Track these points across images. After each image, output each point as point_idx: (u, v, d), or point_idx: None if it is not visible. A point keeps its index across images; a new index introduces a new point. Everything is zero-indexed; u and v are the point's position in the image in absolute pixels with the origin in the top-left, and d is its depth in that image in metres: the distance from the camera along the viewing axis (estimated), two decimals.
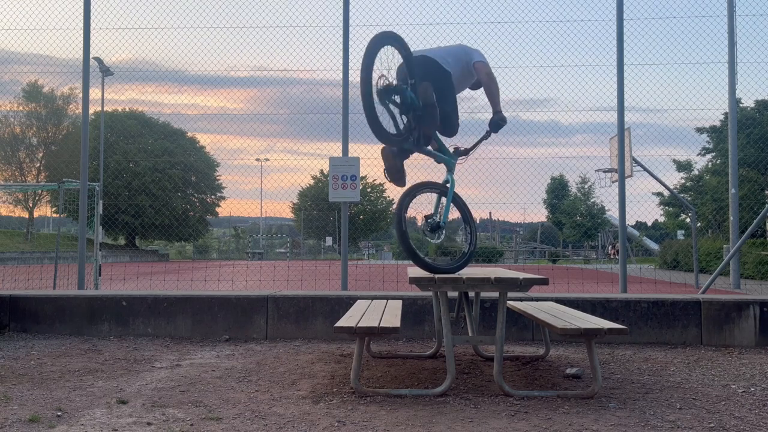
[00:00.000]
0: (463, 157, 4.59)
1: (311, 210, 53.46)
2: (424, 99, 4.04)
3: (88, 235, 8.96)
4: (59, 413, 3.33)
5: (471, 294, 5.04)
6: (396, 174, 4.25)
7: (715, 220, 27.01)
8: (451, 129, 4.49)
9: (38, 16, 8.90)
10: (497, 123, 4.42)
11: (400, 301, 5.19)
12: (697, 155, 28.20)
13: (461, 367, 4.54)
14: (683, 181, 31.65)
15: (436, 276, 3.98)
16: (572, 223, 49.06)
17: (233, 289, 9.22)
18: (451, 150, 4.57)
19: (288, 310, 6.07)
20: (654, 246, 45.96)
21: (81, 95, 8.02)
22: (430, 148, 4.40)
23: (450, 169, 4.50)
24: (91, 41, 7.90)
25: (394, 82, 3.98)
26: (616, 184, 8.21)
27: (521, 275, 3.90)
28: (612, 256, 42.44)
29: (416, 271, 4.31)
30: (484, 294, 5.75)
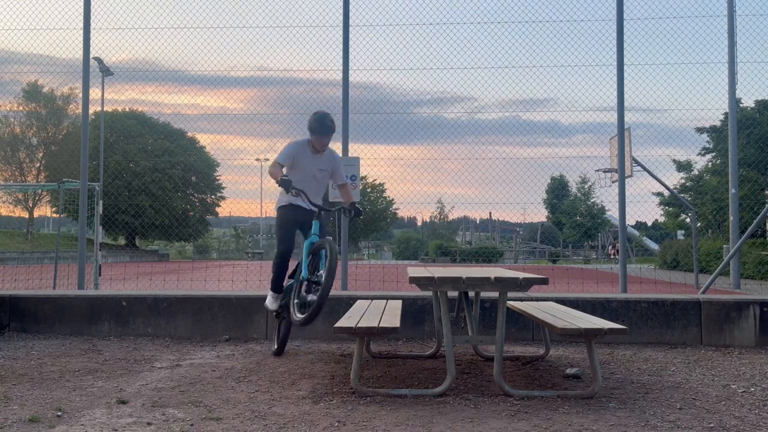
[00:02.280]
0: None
1: None
2: None
3: (88, 235, 8.96)
4: (59, 413, 3.33)
5: (471, 294, 5.04)
6: None
7: (715, 220, 27.00)
8: None
9: (38, 16, 8.89)
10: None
11: (400, 301, 5.19)
12: (697, 155, 28.15)
13: (461, 367, 4.54)
14: (683, 181, 31.60)
15: (436, 276, 3.98)
16: (572, 223, 49.03)
17: (233, 289, 9.22)
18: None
19: None
20: (654, 246, 45.97)
21: (81, 95, 8.02)
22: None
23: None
24: (91, 41, 7.90)
25: None
26: (616, 184, 8.21)
27: (521, 275, 3.90)
28: (612, 256, 42.45)
29: (416, 271, 4.31)
30: (484, 294, 5.75)
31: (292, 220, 5.09)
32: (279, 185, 4.78)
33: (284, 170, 4.96)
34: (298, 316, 4.66)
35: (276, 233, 5.26)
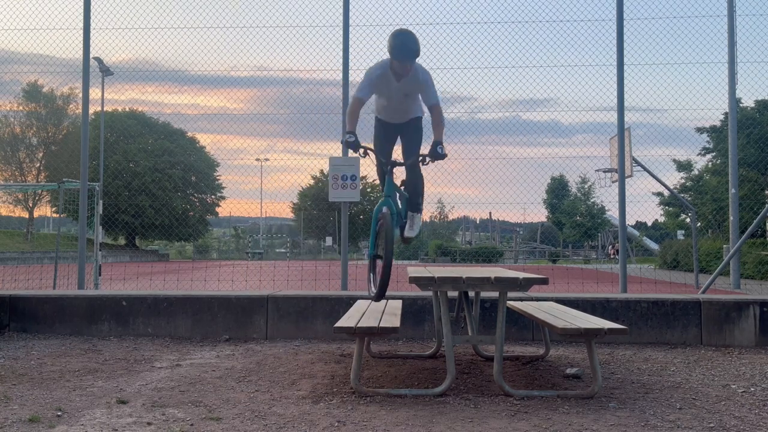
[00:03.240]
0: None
1: (311, 210, 53.47)
2: None
3: (88, 235, 8.96)
4: (59, 413, 3.33)
5: (471, 294, 5.04)
6: None
7: (715, 220, 27.00)
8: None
9: (38, 16, 8.90)
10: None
11: (400, 301, 5.19)
12: (697, 155, 28.18)
13: (461, 367, 4.54)
14: (683, 181, 31.64)
15: (436, 276, 3.98)
16: (572, 223, 49.09)
17: (233, 289, 9.22)
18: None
19: (288, 310, 6.07)
20: (654, 246, 45.99)
21: (81, 95, 8.02)
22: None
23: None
24: (91, 41, 7.91)
25: None
26: (616, 184, 8.21)
27: (521, 275, 3.90)
28: (612, 256, 42.46)
29: (416, 271, 4.31)
30: (484, 294, 5.75)
31: (383, 136, 4.68)
32: (344, 145, 4.23)
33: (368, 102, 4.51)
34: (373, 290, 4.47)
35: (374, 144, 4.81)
